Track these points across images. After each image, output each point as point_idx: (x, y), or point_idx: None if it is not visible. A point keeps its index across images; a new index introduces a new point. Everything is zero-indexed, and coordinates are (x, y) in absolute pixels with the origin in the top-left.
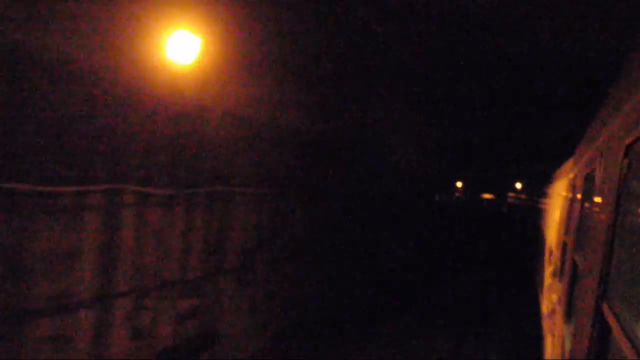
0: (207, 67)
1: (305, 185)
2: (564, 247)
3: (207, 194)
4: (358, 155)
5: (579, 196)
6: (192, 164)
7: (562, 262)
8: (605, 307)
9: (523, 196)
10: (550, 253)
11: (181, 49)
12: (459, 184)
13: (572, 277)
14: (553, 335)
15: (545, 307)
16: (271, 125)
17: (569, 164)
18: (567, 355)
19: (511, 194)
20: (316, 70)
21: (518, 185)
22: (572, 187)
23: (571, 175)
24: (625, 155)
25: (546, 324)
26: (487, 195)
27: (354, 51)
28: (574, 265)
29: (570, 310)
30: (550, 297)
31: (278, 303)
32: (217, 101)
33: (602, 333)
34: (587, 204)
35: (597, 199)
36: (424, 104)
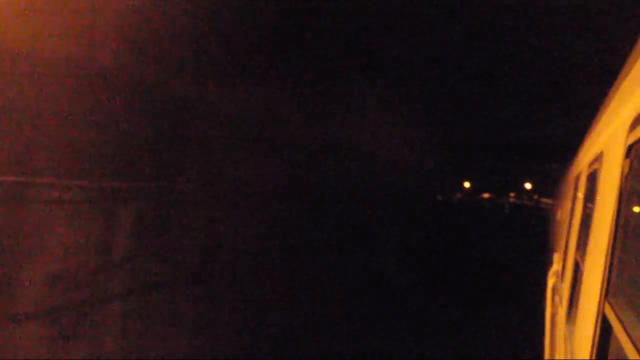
0: None
1: (225, 177)
2: (566, 246)
3: None
4: (316, 138)
5: (581, 196)
6: None
7: (564, 262)
8: (607, 307)
9: (525, 197)
10: (551, 253)
11: None
12: (467, 185)
13: (574, 277)
14: (554, 335)
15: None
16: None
17: (572, 165)
18: (568, 355)
19: (512, 194)
20: None
21: (528, 186)
22: (575, 187)
23: (574, 176)
24: (627, 155)
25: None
26: (487, 195)
27: None
28: (576, 265)
29: (572, 310)
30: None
31: None
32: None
33: (603, 333)
34: (589, 204)
35: (599, 199)
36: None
